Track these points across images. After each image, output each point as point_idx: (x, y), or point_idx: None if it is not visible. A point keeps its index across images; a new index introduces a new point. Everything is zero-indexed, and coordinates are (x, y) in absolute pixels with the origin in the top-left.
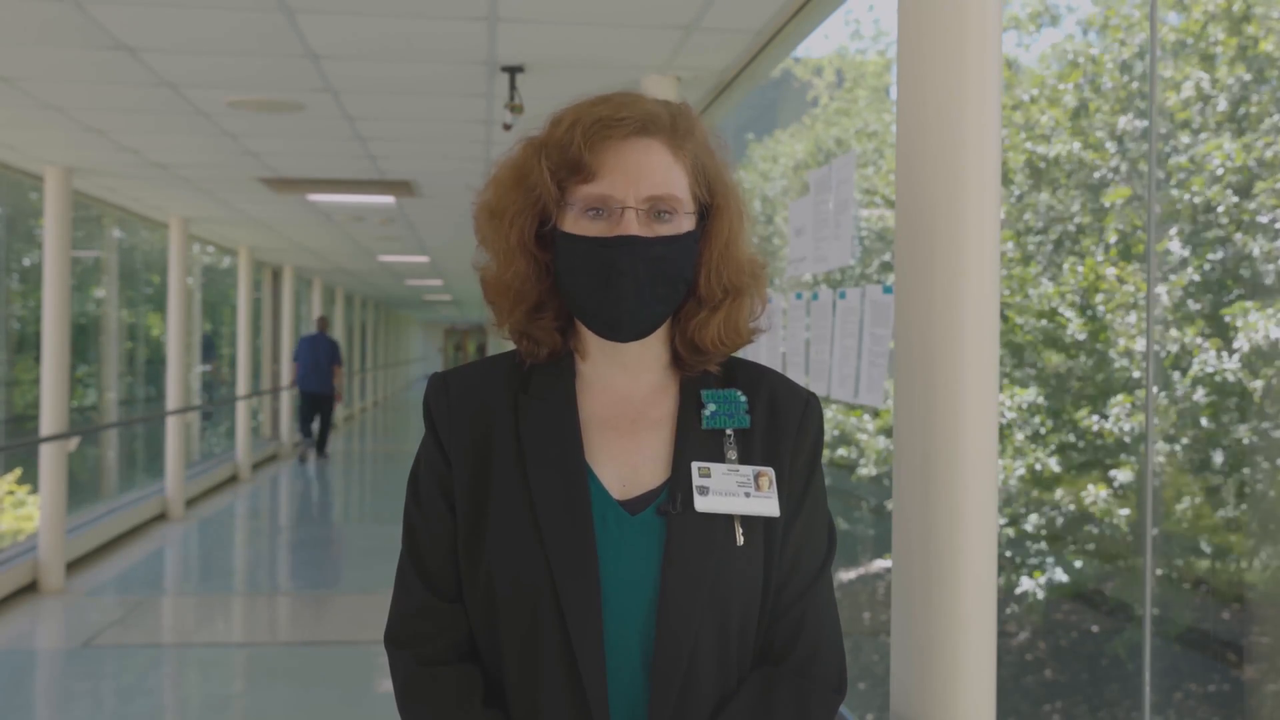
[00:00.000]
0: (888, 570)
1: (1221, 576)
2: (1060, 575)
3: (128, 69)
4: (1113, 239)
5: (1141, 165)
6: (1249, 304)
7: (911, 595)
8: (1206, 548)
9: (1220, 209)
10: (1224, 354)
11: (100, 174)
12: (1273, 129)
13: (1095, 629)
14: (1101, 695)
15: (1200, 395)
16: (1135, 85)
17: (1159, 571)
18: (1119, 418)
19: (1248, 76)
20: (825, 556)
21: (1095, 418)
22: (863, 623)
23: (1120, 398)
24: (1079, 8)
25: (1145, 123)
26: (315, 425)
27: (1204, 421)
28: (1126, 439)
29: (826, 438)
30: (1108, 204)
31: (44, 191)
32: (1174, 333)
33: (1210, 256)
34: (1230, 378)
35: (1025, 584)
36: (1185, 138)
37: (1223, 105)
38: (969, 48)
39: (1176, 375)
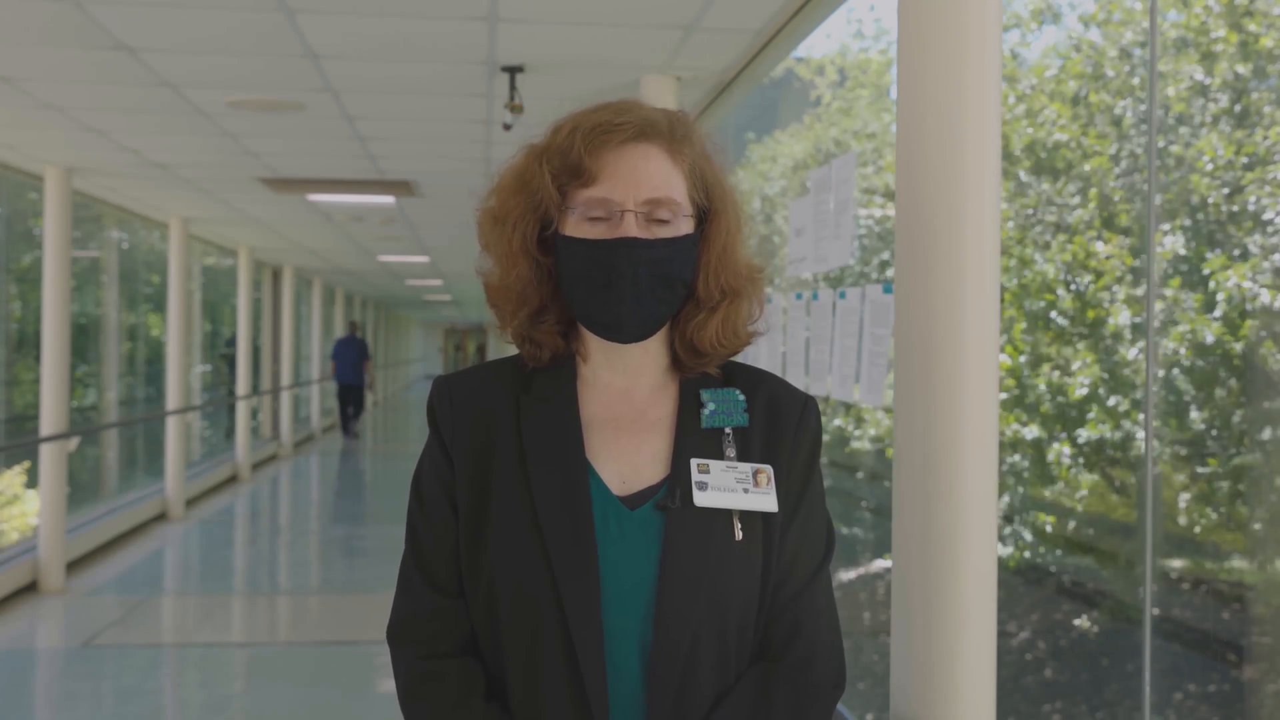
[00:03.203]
0: (888, 570)
1: (1221, 576)
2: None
3: (128, 69)
4: (1097, 217)
5: (1142, 159)
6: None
7: (911, 595)
8: (1205, 547)
9: (1211, 200)
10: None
11: (100, 174)
12: (1271, 122)
13: (1095, 629)
14: (1101, 695)
15: (1184, 361)
16: (1136, 80)
17: (1165, 564)
18: (1116, 397)
19: (1245, 71)
20: (823, 556)
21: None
22: (863, 623)
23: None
24: (1080, 4)
25: (1145, 106)
26: (351, 411)
27: (1195, 413)
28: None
29: (828, 421)
30: (1092, 190)
31: (44, 191)
32: (1166, 343)
33: (1206, 255)
34: (1216, 338)
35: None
36: (1184, 131)
37: (1222, 101)
38: (969, 48)
39: (1176, 374)
